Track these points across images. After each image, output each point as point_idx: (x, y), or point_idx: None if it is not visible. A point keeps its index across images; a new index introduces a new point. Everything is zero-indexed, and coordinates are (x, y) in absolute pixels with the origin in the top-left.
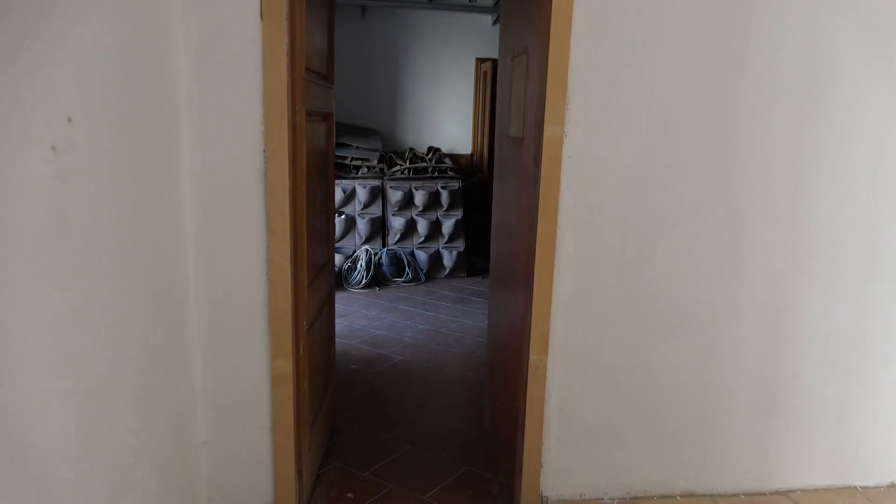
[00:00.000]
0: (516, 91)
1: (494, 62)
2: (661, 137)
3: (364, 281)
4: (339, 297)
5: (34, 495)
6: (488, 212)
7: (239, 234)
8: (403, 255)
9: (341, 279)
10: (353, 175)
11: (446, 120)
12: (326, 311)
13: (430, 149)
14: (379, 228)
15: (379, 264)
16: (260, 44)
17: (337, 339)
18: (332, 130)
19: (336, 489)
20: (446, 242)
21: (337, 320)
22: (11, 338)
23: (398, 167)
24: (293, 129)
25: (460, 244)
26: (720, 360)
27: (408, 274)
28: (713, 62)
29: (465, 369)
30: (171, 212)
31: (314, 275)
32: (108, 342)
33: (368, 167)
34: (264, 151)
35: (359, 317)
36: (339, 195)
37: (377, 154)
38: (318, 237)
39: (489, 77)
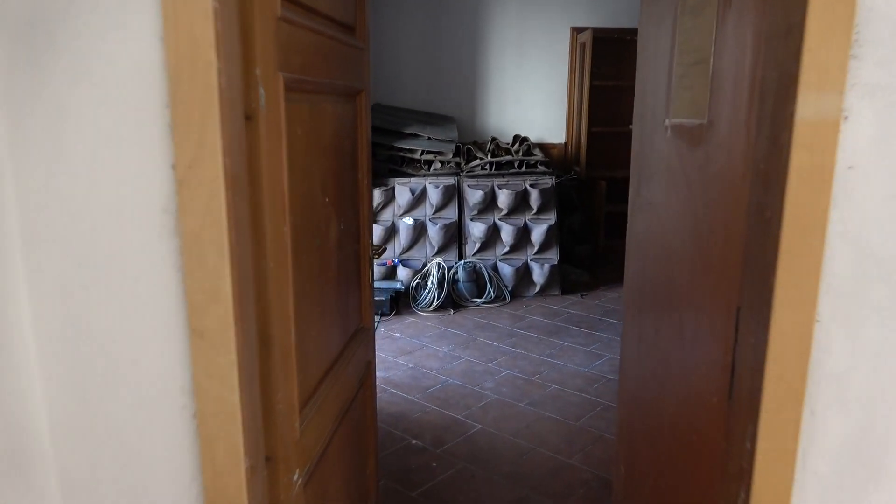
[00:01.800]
0: (689, 39)
1: (595, 31)
2: None
3: (436, 302)
4: (405, 323)
5: None
6: (588, 213)
7: (127, 348)
8: (484, 269)
9: (409, 299)
10: (423, 172)
11: (535, 103)
12: (347, 431)
13: (515, 138)
14: (454, 236)
15: (454, 281)
16: None
17: (396, 393)
18: (364, 117)
19: None
20: (536, 253)
21: (399, 359)
22: None
23: (477, 161)
24: (250, 118)
25: (553, 255)
26: None
27: (489, 293)
28: None
29: (570, 451)
30: None
31: (318, 382)
32: None
33: (442, 162)
34: (173, 167)
35: (427, 354)
36: (405, 197)
37: (452, 146)
38: (330, 307)
39: (588, 50)
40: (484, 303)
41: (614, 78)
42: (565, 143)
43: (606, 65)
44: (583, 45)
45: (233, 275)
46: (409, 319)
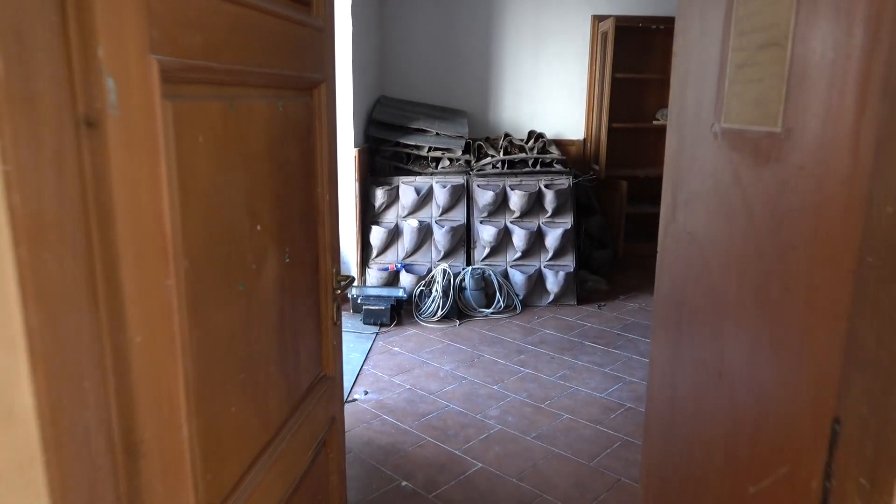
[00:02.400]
0: (755, 13)
1: (618, 20)
2: None
3: (440, 312)
4: (406, 336)
5: None
6: (607, 216)
7: None
8: (494, 277)
9: (412, 308)
10: (430, 170)
11: (552, 97)
12: None
13: (530, 134)
14: (462, 240)
15: (461, 288)
16: None
17: (389, 420)
18: (325, 115)
19: None
20: (550, 259)
21: (395, 379)
22: None
23: (488, 159)
24: (93, 124)
25: (569, 262)
26: None
27: (498, 302)
28: None
29: (582, 499)
30: None
31: (243, 473)
32: None
33: (451, 159)
34: None
35: (426, 373)
36: (410, 197)
37: (462, 142)
38: (264, 368)
39: (610, 40)
40: (492, 313)
41: (638, 70)
42: (584, 139)
43: (630, 56)
44: (604, 35)
45: (36, 378)
46: (411, 331)
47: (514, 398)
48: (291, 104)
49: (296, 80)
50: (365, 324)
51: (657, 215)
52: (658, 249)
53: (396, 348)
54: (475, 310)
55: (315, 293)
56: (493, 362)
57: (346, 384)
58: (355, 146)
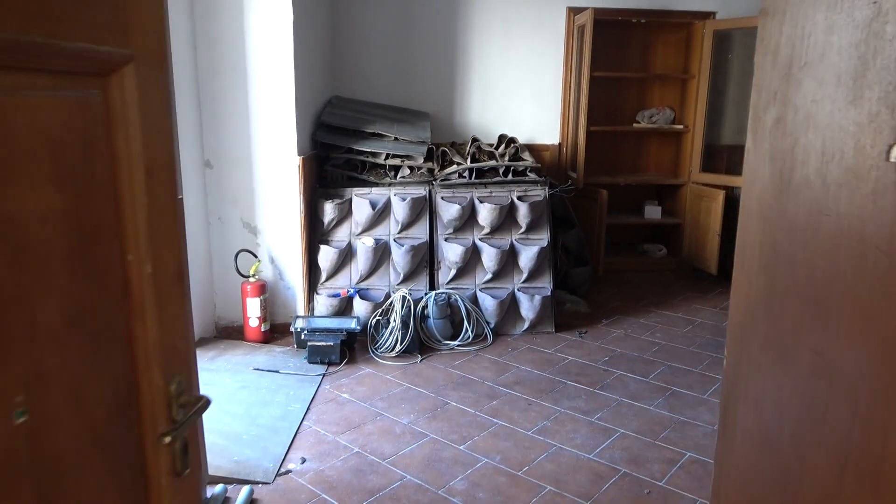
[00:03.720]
0: None
1: (595, 12)
2: None
3: (399, 346)
4: (359, 377)
5: None
6: (586, 228)
7: None
8: (461, 302)
9: (367, 340)
10: (388, 180)
11: (524, 97)
12: None
13: (501, 139)
14: (424, 261)
15: (423, 317)
16: None
17: (329, 501)
18: (133, 114)
19: None
20: (525, 281)
21: (341, 439)
22: None
23: (454, 167)
24: None
25: (546, 284)
26: None
27: (466, 332)
28: None
29: None
30: None
31: None
32: None
33: (411, 168)
34: None
35: (380, 430)
36: (365, 212)
37: (424, 148)
38: None
39: (588, 34)
40: (460, 345)
41: (618, 68)
42: (560, 144)
43: (608, 52)
44: (581, 29)
45: None
46: (365, 370)
47: (485, 463)
48: (42, 104)
49: (66, 56)
50: (310, 362)
51: (638, 226)
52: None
53: (346, 394)
54: (440, 342)
55: (114, 422)
56: (460, 412)
57: (280, 449)
58: (299, 154)
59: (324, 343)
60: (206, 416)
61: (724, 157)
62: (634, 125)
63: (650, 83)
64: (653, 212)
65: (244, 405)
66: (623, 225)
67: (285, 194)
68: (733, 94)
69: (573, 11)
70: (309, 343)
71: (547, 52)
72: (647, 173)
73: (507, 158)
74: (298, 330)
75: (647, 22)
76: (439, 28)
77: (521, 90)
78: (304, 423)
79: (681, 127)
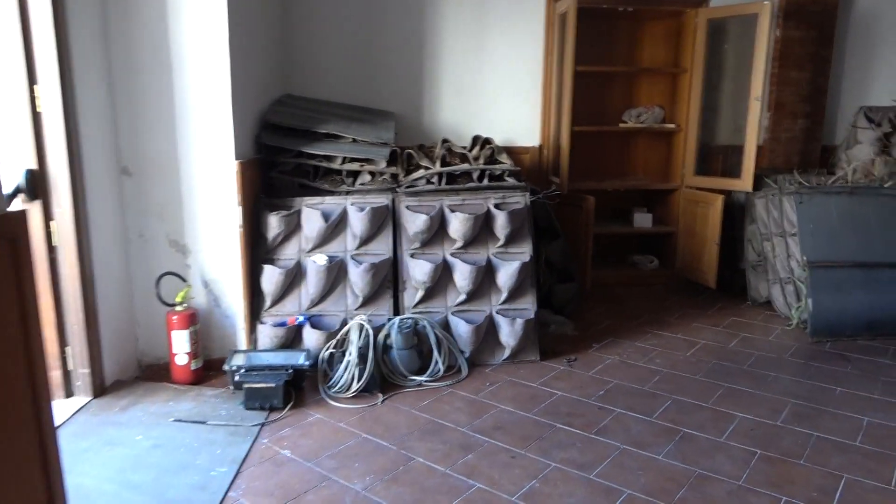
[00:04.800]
0: None
1: (580, 0)
2: None
3: (356, 384)
4: (305, 426)
5: None
6: (571, 239)
7: None
8: (430, 329)
9: (319, 378)
10: (345, 187)
11: (501, 94)
12: None
13: (475, 140)
14: (387, 281)
15: (385, 347)
16: None
17: None
18: None
19: None
20: (505, 302)
21: None
22: None
23: (421, 172)
24: None
25: (528, 304)
26: None
27: (436, 364)
28: None
29: None
30: None
31: None
32: None
33: (373, 173)
34: None
35: (325, 500)
36: (316, 225)
37: (387, 151)
38: None
39: (570, 25)
40: (429, 380)
41: (604, 62)
42: (541, 146)
43: (592, 44)
44: (563, 18)
45: None
46: (314, 416)
47: None
48: None
49: None
50: (248, 409)
51: (627, 236)
52: None
53: (286, 451)
54: (405, 377)
55: None
56: (428, 470)
57: None
58: (238, 158)
59: (264, 385)
60: (96, 494)
61: (721, 158)
62: (621, 125)
63: (638, 78)
64: (643, 220)
65: (153, 472)
66: (610, 234)
67: (221, 206)
68: (729, 88)
69: (554, 0)
70: (245, 385)
71: (526, 44)
72: (635, 177)
73: (482, 161)
74: (234, 369)
75: (634, 10)
76: (406, 19)
77: (497, 87)
78: (230, 493)
79: (672, 126)
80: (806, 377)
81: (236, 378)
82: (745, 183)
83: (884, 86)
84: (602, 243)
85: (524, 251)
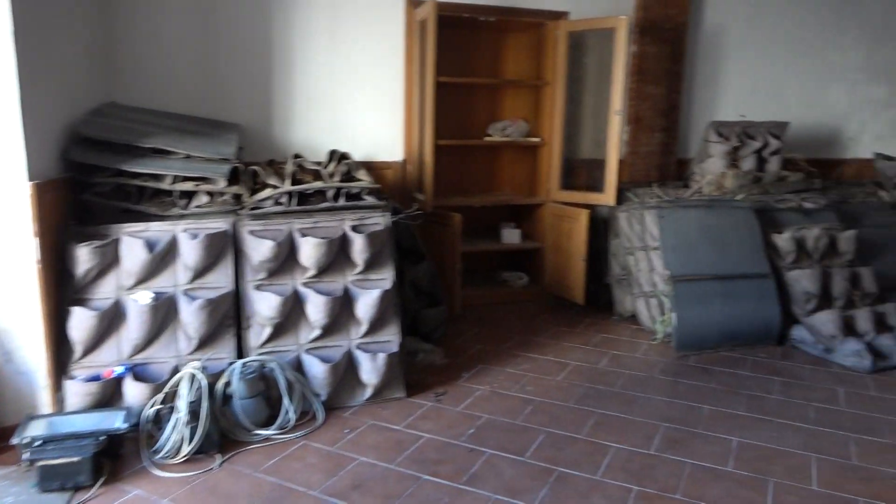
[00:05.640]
0: None
1: (439, 6)
2: None
3: (187, 447)
4: None
5: None
6: (439, 259)
7: None
8: (279, 372)
9: (142, 443)
10: (178, 211)
11: (359, 106)
12: None
13: (331, 156)
14: (228, 319)
15: (225, 398)
16: None
17: None
18: None
19: None
20: (365, 335)
21: None
22: None
23: (268, 192)
24: None
25: (392, 336)
26: None
27: (287, 413)
28: None
29: None
30: None
31: None
32: None
33: (211, 194)
34: None
35: None
36: (140, 257)
37: (227, 168)
38: None
39: (430, 31)
40: (278, 433)
41: (467, 73)
42: (404, 161)
43: (456, 54)
44: (423, 24)
45: None
46: (132, 493)
47: None
48: None
49: None
50: (43, 491)
51: (496, 252)
52: None
53: None
54: (249, 431)
55: None
56: None
57: None
58: (32, 178)
59: (64, 460)
60: None
61: (585, 172)
62: (486, 138)
63: (502, 91)
64: (511, 235)
65: None
66: (479, 252)
67: (10, 237)
68: (590, 102)
69: (412, 3)
70: (40, 462)
71: (385, 52)
72: (502, 192)
73: (337, 179)
74: (26, 441)
75: (496, 21)
76: (253, 22)
77: (355, 97)
78: None
79: (537, 140)
80: (675, 396)
81: (28, 453)
82: (608, 197)
83: (731, 101)
84: (471, 261)
85: (386, 277)
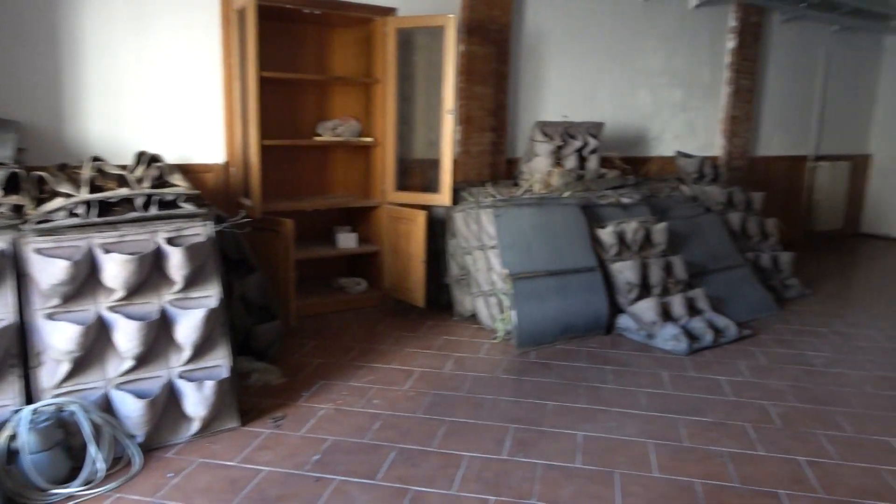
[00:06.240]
0: None
1: None
2: None
3: None
4: None
5: None
6: (270, 269)
7: None
8: (82, 416)
9: None
10: None
11: (170, 101)
12: None
13: (139, 157)
14: (11, 358)
15: (11, 454)
16: None
17: None
18: None
19: None
20: (189, 362)
21: None
22: None
23: (60, 202)
24: None
25: (220, 360)
26: None
27: (93, 465)
28: None
29: None
30: None
31: None
32: None
33: None
34: None
35: None
36: None
37: (1, 175)
38: None
39: (250, 22)
40: (84, 489)
41: (293, 68)
42: (227, 163)
43: (281, 48)
44: (242, 15)
45: None
46: None
47: None
48: None
49: None
50: None
51: (333, 258)
52: None
53: None
54: (45, 492)
55: None
56: None
57: None
58: None
59: None
60: None
61: (420, 172)
62: (316, 138)
63: (331, 88)
64: (347, 240)
65: None
66: (314, 259)
67: None
68: (423, 101)
69: None
70: None
71: (200, 42)
72: (335, 195)
73: (147, 184)
74: None
75: (321, 14)
76: (32, 2)
77: (167, 92)
78: None
79: (369, 140)
80: (520, 395)
81: None
82: (443, 197)
83: (554, 102)
84: (306, 269)
85: (211, 294)
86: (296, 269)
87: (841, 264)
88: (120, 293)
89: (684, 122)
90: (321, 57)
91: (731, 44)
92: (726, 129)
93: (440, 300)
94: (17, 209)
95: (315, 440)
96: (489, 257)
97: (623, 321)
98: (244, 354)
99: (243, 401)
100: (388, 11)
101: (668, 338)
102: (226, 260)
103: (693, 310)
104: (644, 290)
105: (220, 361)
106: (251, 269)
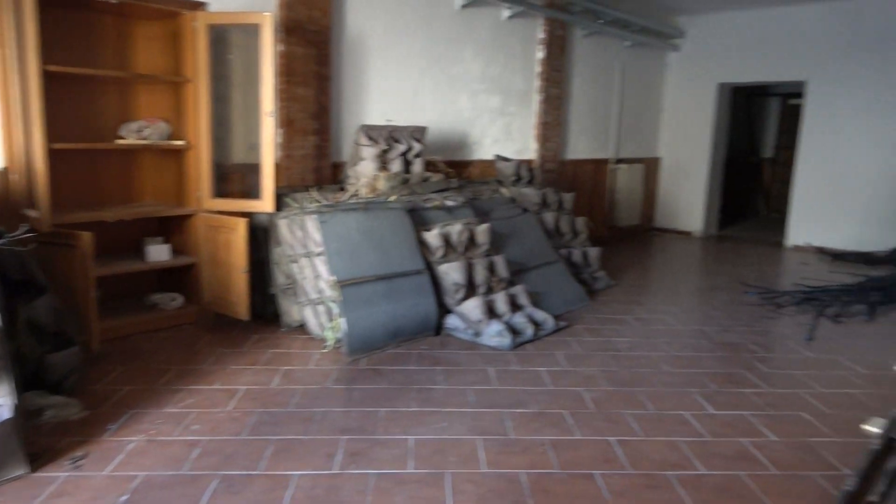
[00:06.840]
0: None
1: None
2: None
3: None
4: None
5: None
6: (65, 289)
7: None
8: None
9: None
10: None
11: None
12: None
13: None
14: None
15: None
16: None
17: None
18: None
19: None
20: None
21: None
22: None
23: None
24: None
25: (2, 398)
26: None
27: None
28: None
29: None
30: None
31: None
32: None
33: None
34: None
35: None
36: None
37: None
38: None
39: (28, 10)
40: None
41: (87, 63)
42: (5, 170)
43: (72, 40)
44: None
45: None
46: None
47: None
48: None
49: None
50: None
51: (142, 273)
52: None
53: None
54: None
55: None
56: None
57: None
58: None
59: None
60: None
61: (239, 178)
62: (119, 141)
63: (135, 86)
64: (159, 252)
65: None
66: (121, 275)
67: None
68: (240, 103)
69: None
70: None
71: None
72: (143, 203)
73: None
74: None
75: (120, 4)
76: None
77: None
78: None
79: (181, 143)
80: (351, 404)
81: None
82: (266, 204)
83: (378, 106)
84: (111, 286)
85: None
86: (98, 287)
87: (639, 256)
88: None
89: (502, 128)
90: (123, 52)
91: (540, 54)
92: (539, 135)
93: (266, 311)
94: None
95: (123, 478)
96: (316, 264)
97: (451, 321)
98: (36, 388)
99: (34, 442)
100: (198, 6)
101: (494, 334)
102: (6, 281)
103: (515, 306)
104: (470, 289)
105: (1, 401)
106: (40, 290)
